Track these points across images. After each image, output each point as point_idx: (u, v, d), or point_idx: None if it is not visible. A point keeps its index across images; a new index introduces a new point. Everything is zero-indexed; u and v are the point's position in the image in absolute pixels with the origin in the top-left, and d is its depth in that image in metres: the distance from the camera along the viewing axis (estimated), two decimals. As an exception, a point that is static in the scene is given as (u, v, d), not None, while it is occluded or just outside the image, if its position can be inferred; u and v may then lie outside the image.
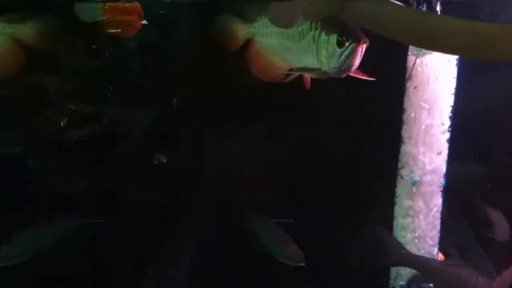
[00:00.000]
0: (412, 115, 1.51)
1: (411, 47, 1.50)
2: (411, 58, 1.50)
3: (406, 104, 1.52)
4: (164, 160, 1.76)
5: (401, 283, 1.60)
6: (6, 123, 1.66)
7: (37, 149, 1.68)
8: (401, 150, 1.54)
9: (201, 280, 1.73)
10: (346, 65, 1.25)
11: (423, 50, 1.48)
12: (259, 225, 1.72)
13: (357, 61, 1.25)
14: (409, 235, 1.57)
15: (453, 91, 1.50)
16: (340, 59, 1.24)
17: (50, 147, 1.68)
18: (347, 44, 1.22)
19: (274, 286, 1.78)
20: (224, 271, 1.75)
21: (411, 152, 1.53)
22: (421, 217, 1.56)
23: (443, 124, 1.51)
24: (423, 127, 1.51)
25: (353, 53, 1.23)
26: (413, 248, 1.56)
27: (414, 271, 1.57)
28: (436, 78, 1.49)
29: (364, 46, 1.22)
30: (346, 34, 1.22)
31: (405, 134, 1.53)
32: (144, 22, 1.59)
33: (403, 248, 1.56)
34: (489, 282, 1.39)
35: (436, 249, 1.59)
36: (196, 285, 1.72)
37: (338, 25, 1.24)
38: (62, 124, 1.64)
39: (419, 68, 1.49)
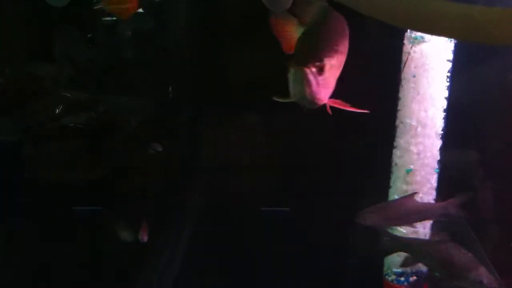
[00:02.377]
0: (407, 103, 1.52)
1: (407, 35, 1.51)
2: (406, 47, 1.51)
3: (401, 92, 1.53)
4: (160, 149, 1.75)
5: (395, 270, 1.61)
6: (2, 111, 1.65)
7: (32, 136, 1.67)
8: (396, 137, 1.55)
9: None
10: (298, 94, 1.15)
11: (419, 38, 1.49)
12: None
13: (312, 89, 1.13)
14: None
15: (447, 79, 1.51)
16: (291, 87, 1.15)
17: (46, 134, 1.67)
18: (291, 69, 1.13)
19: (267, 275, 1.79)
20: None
21: (405, 139, 1.54)
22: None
23: (438, 112, 1.52)
24: (417, 115, 1.52)
25: (298, 80, 1.13)
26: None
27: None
28: (431, 67, 1.50)
29: (311, 71, 1.11)
30: (295, 58, 1.16)
31: (399, 122, 1.54)
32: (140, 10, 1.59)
33: (389, 234, 1.56)
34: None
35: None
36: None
37: (307, 46, 1.22)
38: (57, 112, 1.63)
39: (414, 57, 1.50)
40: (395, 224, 1.56)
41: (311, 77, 1.14)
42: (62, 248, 1.74)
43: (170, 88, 1.80)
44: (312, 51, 1.20)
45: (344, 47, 1.27)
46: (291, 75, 1.15)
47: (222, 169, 1.84)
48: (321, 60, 1.15)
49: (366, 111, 1.25)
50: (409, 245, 1.54)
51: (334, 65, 1.21)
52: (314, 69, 1.14)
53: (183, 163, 1.85)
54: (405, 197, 1.55)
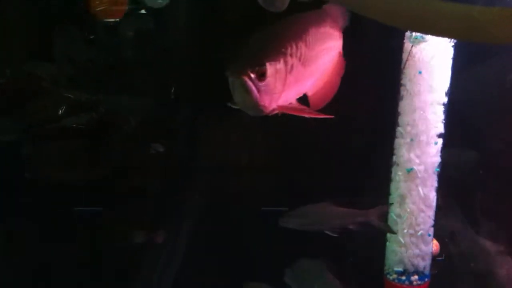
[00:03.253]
0: (407, 102, 1.52)
1: (407, 35, 1.51)
2: (406, 46, 1.51)
3: (401, 92, 1.53)
4: (161, 149, 1.75)
5: (396, 269, 1.62)
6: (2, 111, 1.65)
7: (32, 136, 1.67)
8: (396, 137, 1.55)
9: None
10: (241, 102, 1.13)
11: (419, 38, 1.49)
12: None
13: (253, 96, 1.10)
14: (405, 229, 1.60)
15: (449, 79, 1.51)
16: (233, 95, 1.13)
17: (46, 135, 1.67)
18: (229, 77, 1.11)
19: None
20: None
21: (406, 139, 1.54)
22: (415, 203, 1.57)
23: (438, 112, 1.52)
24: (418, 114, 1.52)
25: (236, 88, 1.11)
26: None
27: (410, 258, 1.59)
28: (431, 66, 1.50)
29: (250, 77, 1.08)
30: (233, 64, 1.12)
31: (400, 122, 1.54)
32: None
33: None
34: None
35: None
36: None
37: (247, 51, 1.17)
38: (58, 112, 1.63)
39: (415, 56, 1.50)
40: (316, 229, 1.58)
41: (249, 84, 1.10)
42: (62, 249, 1.73)
43: (172, 89, 1.80)
44: (251, 56, 1.16)
45: (303, 48, 1.24)
46: (230, 83, 1.11)
47: (222, 169, 1.84)
48: (261, 65, 1.11)
49: (330, 116, 1.23)
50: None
51: (281, 69, 1.17)
52: (253, 75, 1.10)
53: (183, 163, 1.85)
54: (325, 202, 1.59)
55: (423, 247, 1.60)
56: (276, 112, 1.21)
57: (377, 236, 1.63)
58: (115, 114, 1.71)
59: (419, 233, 1.58)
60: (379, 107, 1.57)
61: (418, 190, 1.55)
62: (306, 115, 1.23)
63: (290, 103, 1.26)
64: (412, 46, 1.50)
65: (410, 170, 1.54)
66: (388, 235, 1.61)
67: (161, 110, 1.80)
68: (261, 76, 1.12)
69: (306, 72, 1.29)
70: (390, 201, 1.59)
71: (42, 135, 1.69)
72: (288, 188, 1.77)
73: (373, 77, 1.55)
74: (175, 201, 1.84)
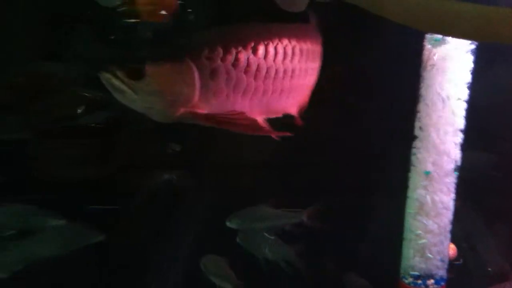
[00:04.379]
0: (426, 104, 1.50)
1: (427, 36, 1.49)
2: (427, 48, 1.49)
3: (421, 93, 1.51)
4: (178, 148, 1.75)
5: (412, 272, 1.60)
6: (17, 110, 1.65)
7: (47, 135, 1.67)
8: (415, 138, 1.54)
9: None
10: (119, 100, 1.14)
11: (439, 40, 1.47)
12: None
13: (119, 96, 1.11)
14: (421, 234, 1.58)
15: (468, 81, 1.49)
16: None
17: (62, 133, 1.67)
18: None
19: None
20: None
21: (424, 141, 1.52)
22: (432, 206, 1.56)
23: (458, 114, 1.50)
24: (437, 116, 1.50)
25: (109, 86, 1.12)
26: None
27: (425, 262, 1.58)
28: (451, 68, 1.48)
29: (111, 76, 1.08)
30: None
31: (419, 123, 1.52)
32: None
33: None
34: None
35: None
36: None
37: None
38: (75, 111, 1.64)
39: (435, 58, 1.48)
40: (256, 228, 1.64)
41: (114, 83, 1.09)
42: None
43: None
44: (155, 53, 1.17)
45: (255, 56, 1.19)
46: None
47: (236, 168, 1.83)
48: (139, 65, 1.10)
49: (287, 134, 1.22)
50: None
51: (182, 71, 1.13)
52: (120, 73, 1.09)
53: (197, 161, 1.84)
54: (264, 204, 1.65)
55: (438, 249, 1.59)
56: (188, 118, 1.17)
57: (393, 238, 1.62)
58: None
59: (436, 236, 1.57)
60: (398, 108, 1.56)
61: (436, 193, 1.54)
62: (239, 130, 1.19)
63: (215, 112, 1.18)
64: (432, 48, 1.49)
65: (428, 173, 1.53)
66: (405, 237, 1.60)
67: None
68: (136, 75, 1.10)
69: (260, 86, 1.23)
70: (408, 204, 1.58)
71: (58, 133, 1.69)
72: (302, 188, 1.76)
73: (392, 78, 1.53)
74: (187, 199, 1.83)
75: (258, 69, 1.22)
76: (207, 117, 1.18)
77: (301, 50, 1.32)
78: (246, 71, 1.21)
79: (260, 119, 1.30)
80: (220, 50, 1.18)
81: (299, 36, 1.30)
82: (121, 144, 1.75)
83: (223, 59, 1.18)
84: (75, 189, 1.72)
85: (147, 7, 1.22)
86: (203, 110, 1.19)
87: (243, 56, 1.20)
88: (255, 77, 1.22)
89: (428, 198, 1.54)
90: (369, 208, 1.62)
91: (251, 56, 1.21)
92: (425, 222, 1.56)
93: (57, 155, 1.71)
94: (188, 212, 1.79)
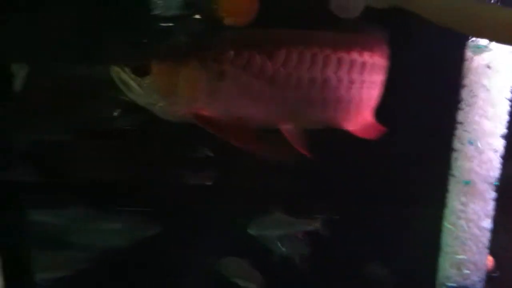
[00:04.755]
0: (468, 113, 1.48)
1: (469, 44, 1.47)
2: (469, 55, 1.47)
3: (462, 102, 1.49)
4: (210, 153, 1.74)
5: (449, 284, 1.57)
6: (56, 111, 1.67)
7: (85, 137, 1.68)
8: (455, 148, 1.51)
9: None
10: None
11: (482, 47, 1.45)
12: None
13: (126, 91, 1.17)
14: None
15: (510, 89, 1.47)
16: None
17: (98, 135, 1.68)
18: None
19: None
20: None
21: (465, 151, 1.50)
22: (471, 217, 1.53)
23: (499, 124, 1.47)
24: (478, 126, 1.47)
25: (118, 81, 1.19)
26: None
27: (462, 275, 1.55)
28: (494, 76, 1.45)
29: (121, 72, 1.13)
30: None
31: (459, 133, 1.50)
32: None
33: None
34: None
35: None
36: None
37: None
38: (111, 113, 1.64)
39: (477, 66, 1.46)
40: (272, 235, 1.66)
41: (123, 77, 1.13)
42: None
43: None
44: (163, 50, 1.18)
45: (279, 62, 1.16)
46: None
47: (268, 172, 1.80)
48: (146, 62, 1.12)
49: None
50: None
51: (187, 73, 1.13)
52: (127, 69, 1.13)
53: (228, 164, 1.83)
54: (278, 212, 1.65)
55: (476, 260, 1.56)
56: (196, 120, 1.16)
57: (429, 249, 1.60)
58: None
59: (474, 248, 1.54)
60: (438, 116, 1.53)
61: (475, 203, 1.51)
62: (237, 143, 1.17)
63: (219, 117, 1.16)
64: (474, 55, 1.46)
65: (467, 183, 1.50)
66: (442, 249, 1.57)
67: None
68: (142, 71, 1.12)
69: (278, 93, 1.19)
70: (445, 214, 1.55)
71: (95, 135, 1.70)
72: (338, 195, 1.73)
73: (433, 86, 1.51)
74: (221, 204, 1.82)
75: (274, 75, 1.18)
76: (206, 121, 1.17)
77: (340, 60, 1.25)
78: (259, 77, 1.17)
79: (287, 127, 1.26)
80: (231, 53, 1.16)
81: (344, 45, 1.25)
82: (153, 147, 1.75)
83: (233, 62, 1.16)
84: (109, 190, 1.73)
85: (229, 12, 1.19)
86: (210, 112, 1.18)
87: (256, 60, 1.17)
88: (271, 83, 1.18)
89: (467, 208, 1.52)
90: (406, 217, 1.60)
91: (267, 61, 1.18)
92: (462, 232, 1.54)
93: (92, 157, 1.71)
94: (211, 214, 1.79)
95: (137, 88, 1.16)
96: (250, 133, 1.20)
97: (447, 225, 1.56)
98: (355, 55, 1.27)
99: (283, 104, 1.24)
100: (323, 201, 1.73)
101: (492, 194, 1.52)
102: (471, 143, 1.49)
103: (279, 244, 1.70)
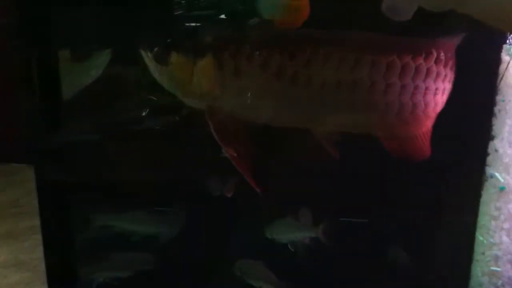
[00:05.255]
0: (502, 118, 1.45)
1: (505, 47, 1.43)
2: (505, 59, 1.43)
3: (497, 106, 1.45)
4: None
5: (481, 292, 1.54)
6: (87, 112, 1.69)
7: (116, 137, 1.69)
8: (489, 154, 1.48)
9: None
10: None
11: (519, 51, 1.41)
12: None
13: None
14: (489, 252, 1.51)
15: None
16: None
17: (129, 136, 1.70)
18: None
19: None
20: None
21: (500, 156, 1.46)
22: (506, 224, 1.49)
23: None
24: (514, 131, 1.44)
25: None
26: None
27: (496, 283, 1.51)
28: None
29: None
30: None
31: (494, 138, 1.47)
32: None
33: None
34: None
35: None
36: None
37: None
38: (142, 114, 1.66)
39: (513, 70, 1.42)
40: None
41: (147, 62, 1.20)
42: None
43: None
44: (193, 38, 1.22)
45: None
46: None
47: (296, 175, 1.79)
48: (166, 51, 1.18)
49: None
50: None
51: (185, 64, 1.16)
52: (150, 55, 1.20)
53: (257, 167, 1.82)
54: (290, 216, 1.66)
55: (511, 272, 1.52)
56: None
57: (461, 257, 1.56)
58: (196, 117, 1.71)
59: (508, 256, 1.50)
60: (472, 119, 1.50)
61: (510, 210, 1.48)
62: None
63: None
64: (511, 59, 1.43)
65: (502, 189, 1.46)
66: (475, 258, 1.54)
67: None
68: (163, 60, 1.19)
69: (301, 94, 1.16)
70: (479, 221, 1.51)
71: (124, 136, 1.71)
72: (367, 198, 1.71)
73: (467, 90, 1.47)
74: (249, 205, 1.82)
75: (296, 75, 1.16)
76: (216, 116, 1.18)
77: (377, 62, 1.19)
78: (278, 76, 1.16)
79: (316, 132, 1.25)
80: (248, 49, 1.15)
81: (390, 48, 1.20)
82: (178, 148, 1.76)
83: (249, 59, 1.15)
84: (136, 191, 1.74)
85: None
86: (225, 108, 1.20)
87: (275, 59, 1.15)
88: (293, 84, 1.16)
89: (502, 215, 1.48)
90: (439, 223, 1.57)
91: (288, 61, 1.16)
92: (497, 240, 1.50)
93: (123, 156, 1.73)
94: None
95: (158, 74, 1.22)
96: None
97: (479, 232, 1.52)
98: (399, 59, 1.21)
99: (308, 106, 1.22)
100: (349, 205, 1.71)
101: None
102: (506, 148, 1.45)
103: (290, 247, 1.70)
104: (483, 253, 1.52)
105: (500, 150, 1.48)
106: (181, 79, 1.20)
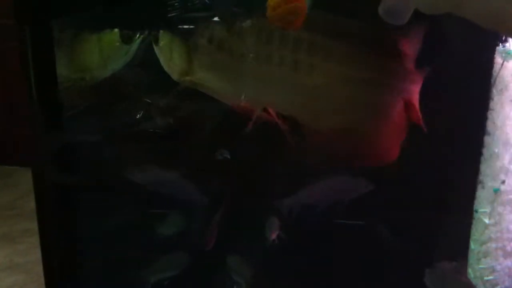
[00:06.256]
0: (497, 120, 1.46)
1: (498, 49, 1.45)
2: (498, 61, 1.45)
3: (491, 109, 1.46)
4: (228, 156, 1.74)
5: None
6: (85, 113, 1.69)
7: (113, 139, 1.70)
8: (483, 156, 1.49)
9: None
10: None
11: (512, 53, 1.43)
12: None
13: None
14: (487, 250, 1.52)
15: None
16: None
17: (126, 138, 1.70)
18: None
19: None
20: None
21: (494, 158, 1.47)
22: (501, 226, 1.50)
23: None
24: (508, 133, 1.45)
25: None
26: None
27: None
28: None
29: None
30: None
31: (488, 139, 1.48)
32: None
33: None
34: None
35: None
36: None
37: None
38: (137, 116, 1.66)
39: (507, 71, 1.43)
40: None
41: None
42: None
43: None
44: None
45: None
46: None
47: (292, 177, 1.80)
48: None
49: None
50: None
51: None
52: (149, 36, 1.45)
53: (253, 169, 1.84)
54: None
55: (505, 278, 1.53)
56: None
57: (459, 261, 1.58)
58: (192, 120, 1.72)
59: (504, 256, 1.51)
60: (466, 123, 1.51)
61: (505, 212, 1.49)
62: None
63: None
64: (503, 61, 1.44)
65: (497, 190, 1.48)
66: (470, 260, 1.55)
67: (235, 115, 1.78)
68: (156, 40, 1.40)
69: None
70: (473, 223, 1.53)
71: (120, 138, 1.72)
72: (362, 200, 1.72)
73: (460, 92, 1.49)
74: (245, 207, 1.83)
75: (231, 48, 1.34)
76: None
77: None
78: (231, 53, 1.35)
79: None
80: (208, 29, 1.37)
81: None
82: (174, 150, 1.76)
83: (209, 38, 1.36)
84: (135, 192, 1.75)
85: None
86: (197, 82, 1.42)
87: (218, 33, 1.35)
88: (240, 60, 1.33)
89: (496, 216, 1.49)
90: (432, 225, 1.58)
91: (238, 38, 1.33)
92: (491, 242, 1.51)
93: (119, 158, 1.73)
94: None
95: (157, 54, 1.42)
96: None
97: (474, 235, 1.53)
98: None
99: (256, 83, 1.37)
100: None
101: (522, 202, 1.49)
102: (499, 150, 1.46)
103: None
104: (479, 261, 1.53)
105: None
106: (166, 59, 1.41)
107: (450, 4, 0.99)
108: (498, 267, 1.50)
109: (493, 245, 1.50)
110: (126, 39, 1.57)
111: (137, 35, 1.55)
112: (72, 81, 1.60)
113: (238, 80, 1.39)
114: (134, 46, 1.58)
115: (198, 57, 1.42)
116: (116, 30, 1.59)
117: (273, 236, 1.64)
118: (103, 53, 1.60)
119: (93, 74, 1.63)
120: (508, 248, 1.49)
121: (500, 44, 1.44)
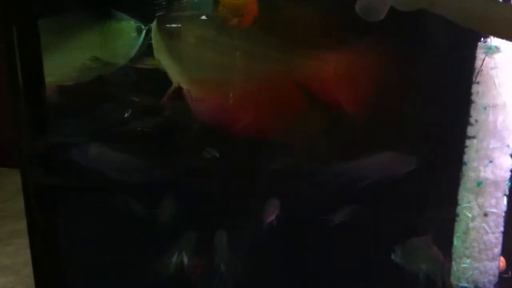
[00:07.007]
0: (478, 114, 1.48)
1: (480, 44, 1.47)
2: (479, 56, 1.47)
3: (472, 103, 1.49)
4: (217, 154, 1.75)
5: (461, 284, 1.58)
6: (70, 114, 1.69)
7: (99, 139, 1.70)
8: (466, 149, 1.52)
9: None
10: None
11: (493, 48, 1.45)
12: None
13: None
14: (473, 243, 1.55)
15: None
16: None
17: (112, 138, 1.70)
18: None
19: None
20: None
21: (477, 151, 1.50)
22: (483, 218, 1.53)
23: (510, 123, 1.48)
24: (489, 126, 1.48)
25: None
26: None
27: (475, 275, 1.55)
28: (505, 78, 1.46)
29: None
30: None
31: (470, 134, 1.50)
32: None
33: None
34: None
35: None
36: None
37: None
38: (125, 116, 1.66)
39: (488, 67, 1.46)
40: None
41: None
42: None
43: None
44: None
45: None
46: None
47: (278, 175, 1.81)
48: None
49: None
50: None
51: None
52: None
53: (241, 168, 1.85)
54: None
55: (489, 263, 1.56)
56: None
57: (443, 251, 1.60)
58: (180, 119, 1.72)
59: (486, 249, 1.54)
60: (449, 117, 1.54)
61: (487, 204, 1.52)
62: None
63: None
64: (485, 57, 1.47)
65: (480, 183, 1.50)
66: (455, 250, 1.58)
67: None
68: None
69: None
70: (457, 215, 1.55)
71: (108, 138, 1.72)
72: (345, 197, 1.74)
73: (443, 87, 1.52)
74: (235, 206, 1.83)
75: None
76: None
77: None
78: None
79: None
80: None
81: None
82: (163, 148, 1.77)
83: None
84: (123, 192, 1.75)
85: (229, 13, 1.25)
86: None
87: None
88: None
89: (479, 208, 1.52)
90: (418, 218, 1.60)
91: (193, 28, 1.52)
92: (474, 233, 1.54)
93: (108, 158, 1.73)
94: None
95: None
96: None
97: (458, 226, 1.56)
98: None
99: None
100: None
101: (505, 195, 1.52)
102: (482, 143, 1.49)
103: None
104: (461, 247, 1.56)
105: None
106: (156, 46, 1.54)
107: (424, 1, 1.01)
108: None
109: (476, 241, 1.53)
110: (140, 30, 1.61)
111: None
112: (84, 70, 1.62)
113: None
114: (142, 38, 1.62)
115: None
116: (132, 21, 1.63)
117: (270, 217, 1.64)
118: (124, 43, 1.63)
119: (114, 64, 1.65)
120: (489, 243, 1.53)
121: (482, 39, 1.47)
